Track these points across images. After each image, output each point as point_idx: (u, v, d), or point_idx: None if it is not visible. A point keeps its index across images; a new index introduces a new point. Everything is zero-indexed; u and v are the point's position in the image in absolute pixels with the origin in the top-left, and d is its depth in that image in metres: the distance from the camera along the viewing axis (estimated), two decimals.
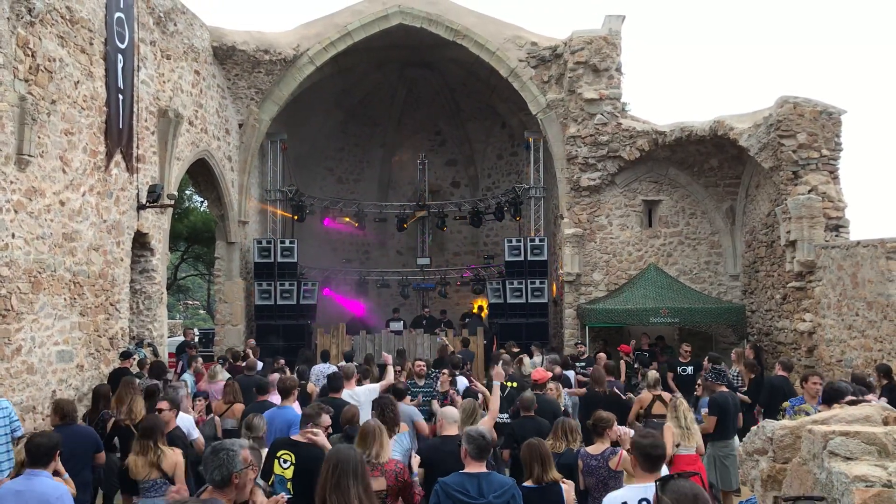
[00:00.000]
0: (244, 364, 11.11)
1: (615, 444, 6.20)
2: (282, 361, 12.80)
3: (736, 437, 8.41)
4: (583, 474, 5.99)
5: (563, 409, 9.03)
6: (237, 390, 9.03)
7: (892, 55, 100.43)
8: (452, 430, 5.81)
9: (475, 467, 4.67)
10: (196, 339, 13.58)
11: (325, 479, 3.82)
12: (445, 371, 9.87)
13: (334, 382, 8.37)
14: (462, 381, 10.04)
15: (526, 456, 5.34)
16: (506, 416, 9.33)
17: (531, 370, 11.60)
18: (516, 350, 13.95)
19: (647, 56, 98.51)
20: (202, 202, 26.91)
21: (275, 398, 8.00)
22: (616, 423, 6.41)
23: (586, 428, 7.78)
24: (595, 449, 6.09)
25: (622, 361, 13.30)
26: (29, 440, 5.20)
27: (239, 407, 8.77)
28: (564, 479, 5.31)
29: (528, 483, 5.21)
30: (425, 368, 9.96)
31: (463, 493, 4.52)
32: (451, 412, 6.05)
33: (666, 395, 8.94)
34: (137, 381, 8.77)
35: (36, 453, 4.96)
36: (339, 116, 22.27)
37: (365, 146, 24.00)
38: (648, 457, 4.33)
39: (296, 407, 7.63)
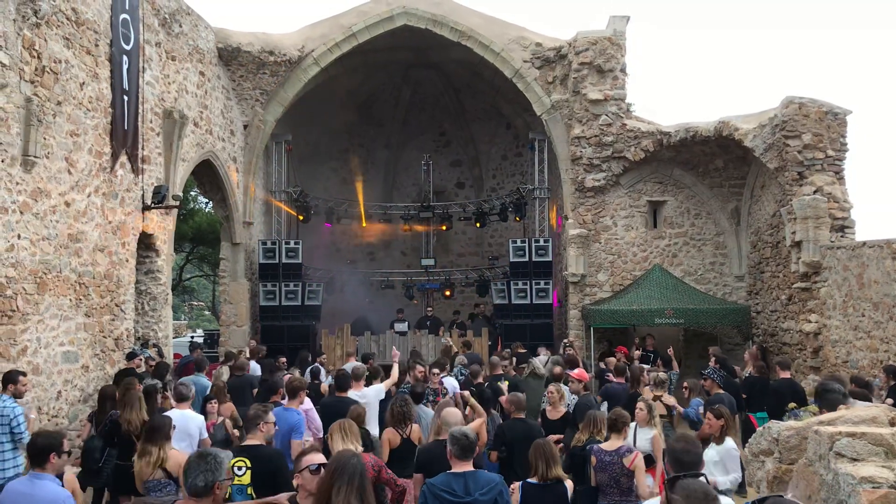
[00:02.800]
0: (234, 364, 11.11)
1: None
2: (283, 360, 12.81)
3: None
4: (595, 470, 5.96)
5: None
6: (222, 390, 9.11)
7: None
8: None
9: (461, 466, 4.71)
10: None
11: (324, 490, 3.76)
12: (436, 370, 9.85)
13: (341, 382, 8.41)
14: (450, 383, 9.99)
15: (531, 454, 5.36)
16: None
17: (542, 370, 11.53)
18: (522, 351, 13.90)
19: (652, 57, 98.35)
20: (207, 203, 26.94)
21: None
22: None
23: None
24: (610, 445, 6.05)
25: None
26: (30, 439, 5.19)
27: (227, 407, 8.79)
28: (567, 478, 5.33)
29: (532, 479, 5.22)
30: (425, 373, 9.85)
31: (449, 492, 4.57)
32: (453, 416, 6.01)
33: (670, 399, 8.93)
34: (139, 382, 8.81)
35: (32, 452, 4.94)
36: (343, 117, 22.29)
37: (369, 147, 24.02)
38: (680, 463, 4.20)
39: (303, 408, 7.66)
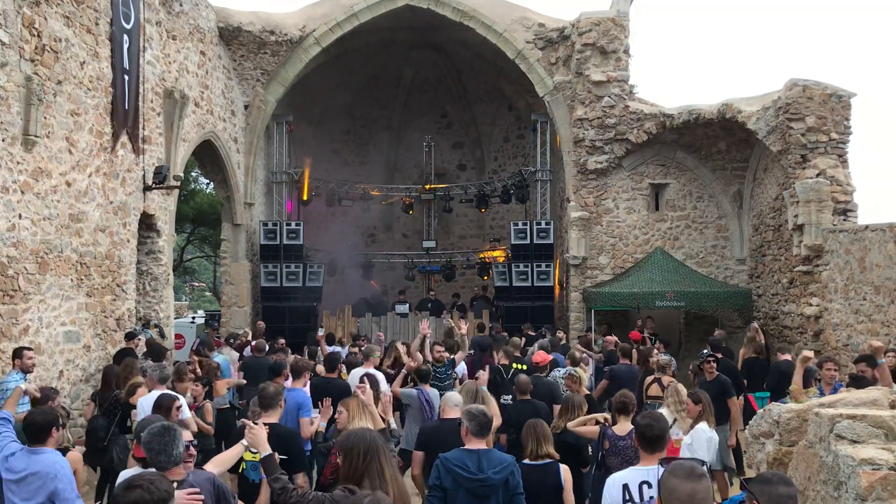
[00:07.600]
0: (252, 345, 11.18)
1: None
2: (282, 341, 12.85)
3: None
4: (609, 454, 5.96)
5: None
6: (214, 369, 9.37)
7: None
8: (453, 413, 5.84)
9: (475, 444, 4.72)
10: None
11: (355, 466, 3.83)
12: (441, 347, 9.81)
13: (331, 363, 8.42)
14: (461, 367, 10.00)
15: (523, 433, 5.40)
16: (509, 398, 9.31)
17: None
18: (532, 333, 13.96)
19: (656, 38, 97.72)
20: (208, 184, 26.91)
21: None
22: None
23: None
24: (621, 429, 6.05)
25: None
26: (25, 419, 5.15)
27: (223, 383, 8.99)
28: (558, 459, 5.33)
29: (526, 461, 5.25)
30: (445, 355, 9.53)
31: (462, 468, 4.58)
32: (454, 396, 6.10)
33: (666, 379, 8.94)
34: (138, 361, 8.92)
35: (33, 430, 4.94)
36: (345, 98, 22.19)
37: (371, 128, 23.93)
38: (644, 437, 4.32)
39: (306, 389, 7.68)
